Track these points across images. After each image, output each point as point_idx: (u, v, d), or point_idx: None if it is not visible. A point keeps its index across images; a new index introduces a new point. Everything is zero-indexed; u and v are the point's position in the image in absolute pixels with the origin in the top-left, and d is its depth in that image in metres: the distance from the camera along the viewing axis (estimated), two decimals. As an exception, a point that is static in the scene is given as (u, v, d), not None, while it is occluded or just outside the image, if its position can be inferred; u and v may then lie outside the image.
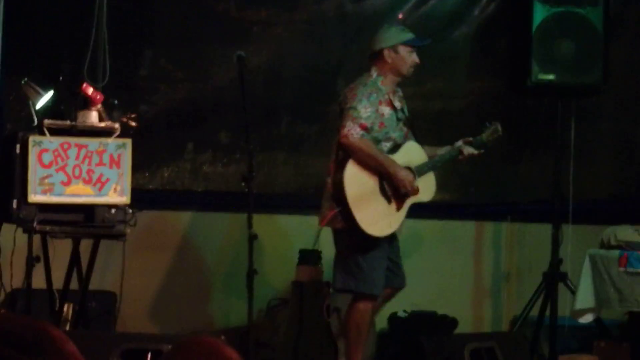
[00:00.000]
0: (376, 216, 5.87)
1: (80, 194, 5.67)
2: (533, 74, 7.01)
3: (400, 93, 6.13)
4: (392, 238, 6.09)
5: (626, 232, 6.46)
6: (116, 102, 6.59)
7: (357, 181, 5.83)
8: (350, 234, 5.89)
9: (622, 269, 6.23)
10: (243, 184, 5.78)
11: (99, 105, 5.79)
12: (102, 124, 5.79)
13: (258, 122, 7.18)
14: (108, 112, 6.00)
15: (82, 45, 6.76)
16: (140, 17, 7.35)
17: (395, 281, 6.15)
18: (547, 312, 7.02)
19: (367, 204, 5.84)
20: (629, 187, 7.88)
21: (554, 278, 7.04)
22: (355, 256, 5.93)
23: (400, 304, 7.51)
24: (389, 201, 5.92)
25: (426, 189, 6.07)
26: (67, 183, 5.65)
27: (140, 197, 6.15)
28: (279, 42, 7.48)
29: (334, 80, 7.58)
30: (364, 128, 5.83)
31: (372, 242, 5.91)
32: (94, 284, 6.21)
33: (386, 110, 5.98)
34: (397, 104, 6.05)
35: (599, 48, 7.07)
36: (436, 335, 6.87)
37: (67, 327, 6.16)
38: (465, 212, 7.69)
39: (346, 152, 5.85)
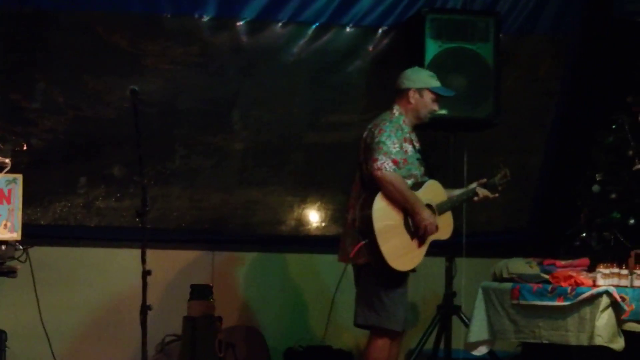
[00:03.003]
0: (400, 250, 5.88)
1: (-32, 230, 5.57)
2: (426, 109, 7.11)
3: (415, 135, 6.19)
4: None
5: (518, 265, 6.54)
6: (6, 135, 6.48)
7: (384, 215, 5.84)
8: (372, 269, 5.89)
9: (514, 301, 6.30)
10: (137, 218, 5.72)
11: (-11, 140, 5.68)
12: (-8, 159, 5.69)
13: (152, 155, 7.12)
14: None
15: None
16: (32, 48, 7.22)
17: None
18: (442, 345, 7.09)
19: (393, 238, 5.86)
20: (521, 219, 8.01)
21: (448, 311, 7.12)
22: (378, 291, 5.93)
23: (297, 338, 7.52)
24: (412, 237, 5.94)
25: (445, 227, 6.12)
26: (-45, 219, 5.54)
27: (32, 233, 6.04)
28: (174, 74, 7.42)
29: (229, 113, 7.56)
30: (395, 163, 5.89)
31: (395, 278, 5.93)
32: (-18, 323, 6.08)
33: (409, 148, 6.05)
34: (416, 144, 6.12)
35: (490, 82, 7.21)
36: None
37: (-46, 368, 6.00)
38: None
39: (372, 188, 5.86)
